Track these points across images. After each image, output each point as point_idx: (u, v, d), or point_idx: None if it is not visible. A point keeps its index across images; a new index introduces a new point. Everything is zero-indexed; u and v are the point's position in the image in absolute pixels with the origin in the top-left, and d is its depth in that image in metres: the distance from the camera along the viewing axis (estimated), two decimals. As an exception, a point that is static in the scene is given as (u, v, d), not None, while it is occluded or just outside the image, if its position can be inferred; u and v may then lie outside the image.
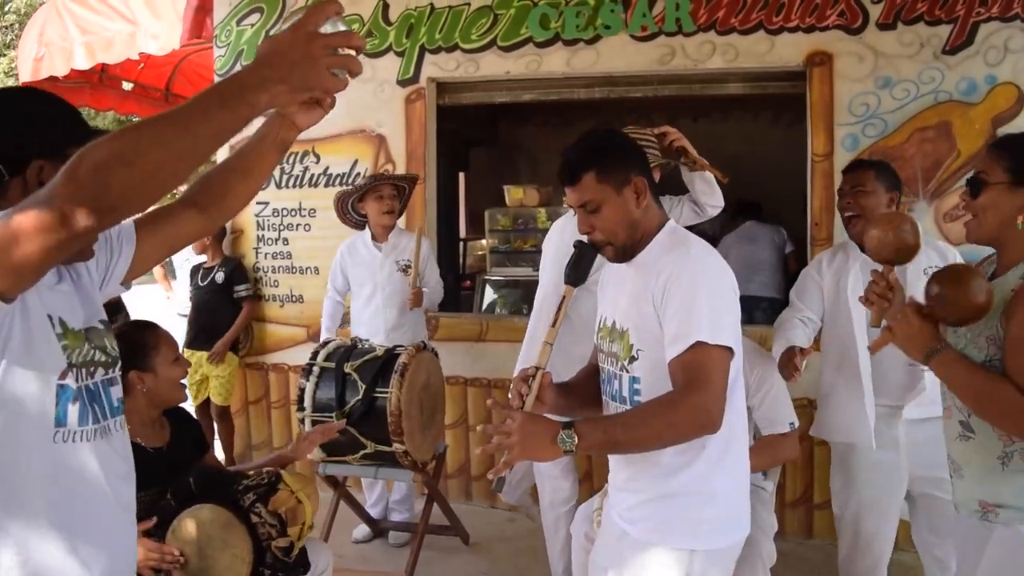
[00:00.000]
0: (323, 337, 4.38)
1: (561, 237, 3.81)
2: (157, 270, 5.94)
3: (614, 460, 2.23)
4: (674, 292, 1.97)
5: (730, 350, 1.95)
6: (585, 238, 2.18)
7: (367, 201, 4.41)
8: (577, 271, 2.22)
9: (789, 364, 3.03)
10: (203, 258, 5.43)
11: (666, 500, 2.05)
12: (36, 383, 1.40)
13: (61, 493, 1.43)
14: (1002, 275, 2.07)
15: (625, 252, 2.14)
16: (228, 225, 5.36)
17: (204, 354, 5.22)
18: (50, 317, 1.44)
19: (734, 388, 2.06)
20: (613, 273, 2.27)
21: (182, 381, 2.73)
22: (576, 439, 1.86)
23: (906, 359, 2.92)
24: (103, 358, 1.55)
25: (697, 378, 1.90)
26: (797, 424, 3.10)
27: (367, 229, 4.52)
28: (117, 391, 1.58)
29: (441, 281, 4.67)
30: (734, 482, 2.11)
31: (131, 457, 1.61)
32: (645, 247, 2.12)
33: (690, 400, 1.90)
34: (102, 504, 1.49)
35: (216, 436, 5.37)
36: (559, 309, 2.17)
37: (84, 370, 1.49)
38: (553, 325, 2.15)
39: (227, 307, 5.28)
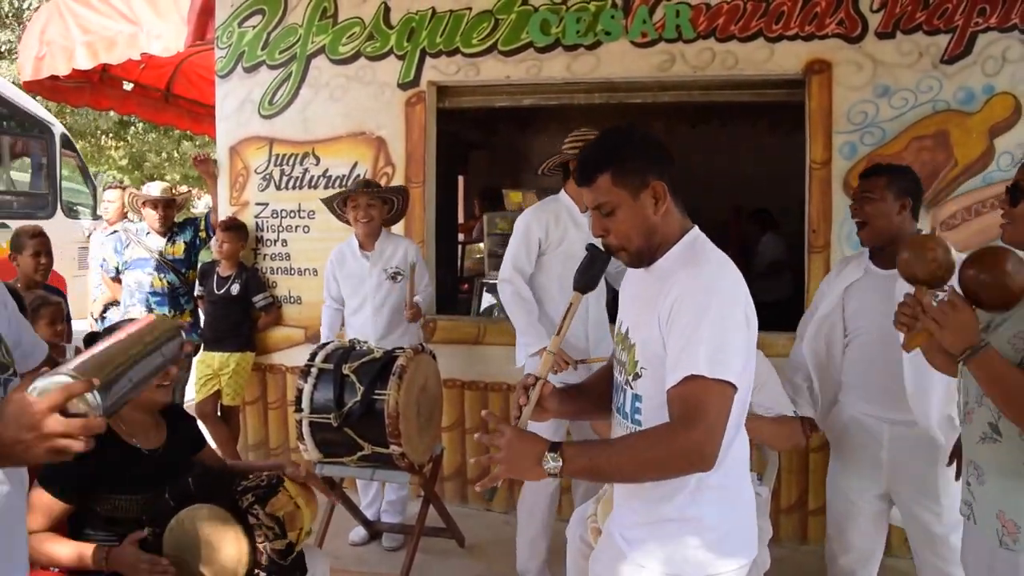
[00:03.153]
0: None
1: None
2: (106, 279, 5.94)
3: None
4: (679, 316, 1.86)
5: (732, 385, 1.82)
6: (598, 241, 2.07)
7: (348, 208, 4.40)
8: (586, 276, 2.06)
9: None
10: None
11: (657, 526, 1.98)
12: None
13: None
14: None
15: (641, 258, 2.02)
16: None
17: (217, 355, 5.23)
18: None
19: (740, 419, 1.97)
20: (632, 277, 2.15)
21: (165, 383, 2.66)
22: (561, 463, 1.81)
23: (886, 365, 2.97)
24: None
25: (693, 414, 1.79)
26: (799, 413, 3.12)
27: (354, 237, 4.50)
28: None
29: (432, 285, 4.65)
30: (731, 510, 2.00)
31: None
32: (664, 254, 2.00)
33: (683, 436, 1.80)
34: None
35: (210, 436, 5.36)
36: (564, 317, 2.05)
37: None
38: (558, 333, 2.06)
39: (241, 314, 5.31)
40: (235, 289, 5.22)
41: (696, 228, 2.04)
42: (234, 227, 5.27)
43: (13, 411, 1.34)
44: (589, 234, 3.77)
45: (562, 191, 3.99)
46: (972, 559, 2.22)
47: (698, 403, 1.80)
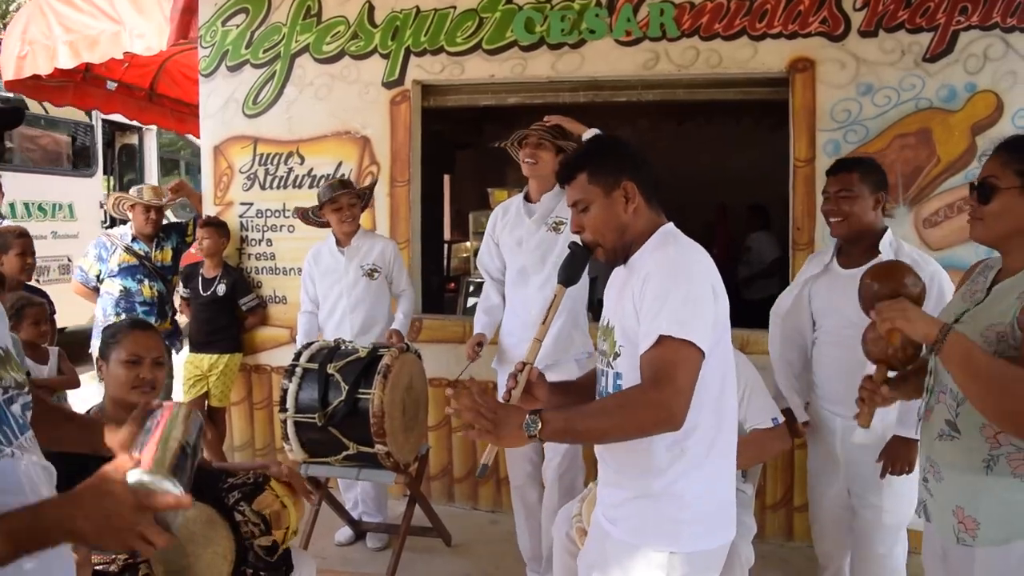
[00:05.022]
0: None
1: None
2: (79, 288, 5.51)
3: (600, 455, 2.24)
4: (649, 288, 1.98)
5: (697, 348, 1.93)
6: (579, 239, 2.21)
7: (325, 211, 4.38)
8: (569, 271, 2.22)
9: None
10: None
11: (645, 500, 2.07)
12: None
13: None
14: (1008, 278, 2.03)
15: (615, 254, 2.17)
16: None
17: (205, 357, 5.21)
18: None
19: (722, 395, 2.07)
20: (614, 276, 2.28)
21: (136, 385, 2.63)
22: (539, 425, 1.91)
23: (842, 363, 2.99)
24: None
25: (660, 373, 1.91)
26: (781, 420, 3.12)
27: (331, 235, 4.50)
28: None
29: (411, 286, 4.63)
30: (715, 487, 2.10)
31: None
32: (638, 250, 2.14)
33: (651, 395, 1.91)
34: None
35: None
36: (550, 308, 2.18)
37: None
38: (544, 323, 2.17)
39: (228, 315, 5.28)
40: (221, 290, 5.19)
41: (670, 224, 2.17)
42: (214, 224, 5.23)
43: (106, 505, 1.35)
44: (535, 224, 3.83)
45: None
46: (927, 557, 2.24)
47: (666, 364, 1.91)
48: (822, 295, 3.18)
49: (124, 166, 11.26)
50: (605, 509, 2.20)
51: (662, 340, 1.91)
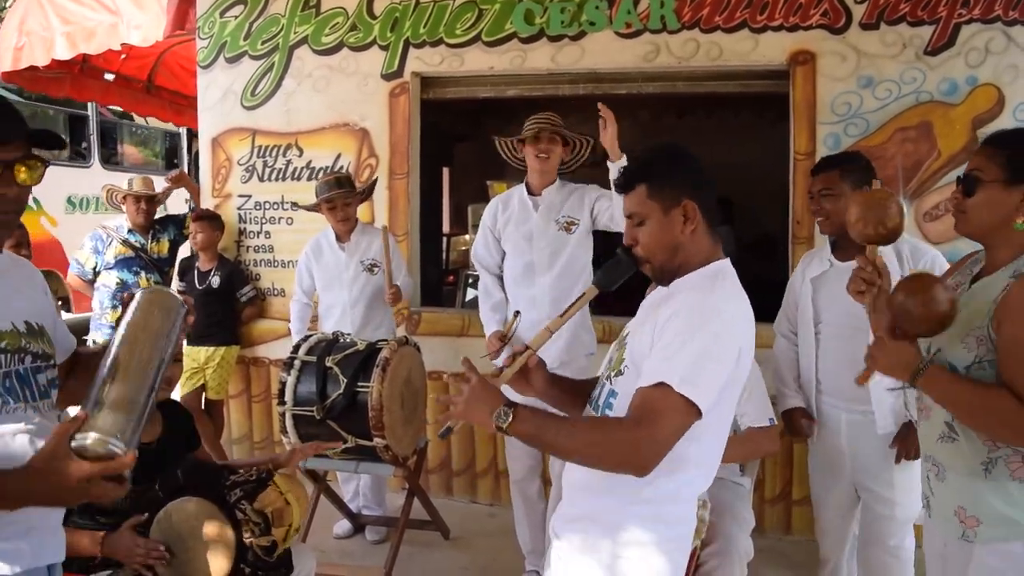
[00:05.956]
0: (294, 340, 4.35)
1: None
2: (74, 280, 5.47)
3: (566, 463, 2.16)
4: (672, 326, 1.85)
5: (695, 408, 1.79)
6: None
7: (321, 208, 4.39)
8: (608, 276, 2.08)
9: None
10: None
11: (584, 522, 2.00)
12: None
13: None
14: (990, 274, 2.03)
15: (663, 274, 2.02)
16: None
17: (202, 349, 5.19)
18: None
19: (712, 448, 1.96)
20: (653, 292, 2.15)
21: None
22: (510, 419, 1.84)
23: (846, 357, 2.99)
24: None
25: (646, 415, 1.78)
26: (776, 420, 3.13)
27: (330, 229, 4.50)
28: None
29: (410, 276, 4.66)
30: (658, 540, 1.93)
31: None
32: (684, 275, 1.99)
33: (627, 433, 1.80)
34: None
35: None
36: (575, 303, 2.09)
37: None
38: (562, 315, 2.09)
39: (224, 308, 5.26)
40: (216, 282, 5.17)
41: (727, 261, 2.03)
42: (207, 217, 5.22)
43: (53, 479, 1.47)
44: (539, 217, 3.80)
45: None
46: (929, 552, 2.23)
47: (655, 408, 1.79)
48: (825, 290, 3.18)
49: (199, 166, 12.49)
50: (556, 518, 2.12)
51: (661, 385, 1.79)
